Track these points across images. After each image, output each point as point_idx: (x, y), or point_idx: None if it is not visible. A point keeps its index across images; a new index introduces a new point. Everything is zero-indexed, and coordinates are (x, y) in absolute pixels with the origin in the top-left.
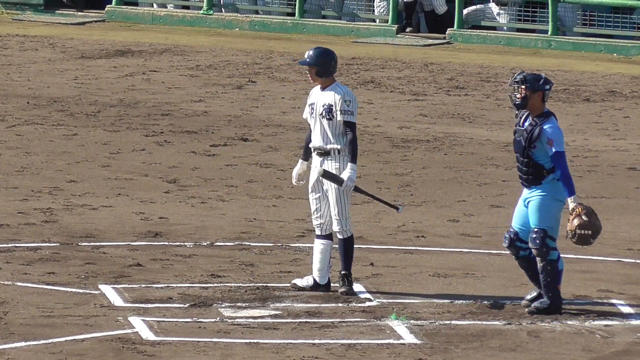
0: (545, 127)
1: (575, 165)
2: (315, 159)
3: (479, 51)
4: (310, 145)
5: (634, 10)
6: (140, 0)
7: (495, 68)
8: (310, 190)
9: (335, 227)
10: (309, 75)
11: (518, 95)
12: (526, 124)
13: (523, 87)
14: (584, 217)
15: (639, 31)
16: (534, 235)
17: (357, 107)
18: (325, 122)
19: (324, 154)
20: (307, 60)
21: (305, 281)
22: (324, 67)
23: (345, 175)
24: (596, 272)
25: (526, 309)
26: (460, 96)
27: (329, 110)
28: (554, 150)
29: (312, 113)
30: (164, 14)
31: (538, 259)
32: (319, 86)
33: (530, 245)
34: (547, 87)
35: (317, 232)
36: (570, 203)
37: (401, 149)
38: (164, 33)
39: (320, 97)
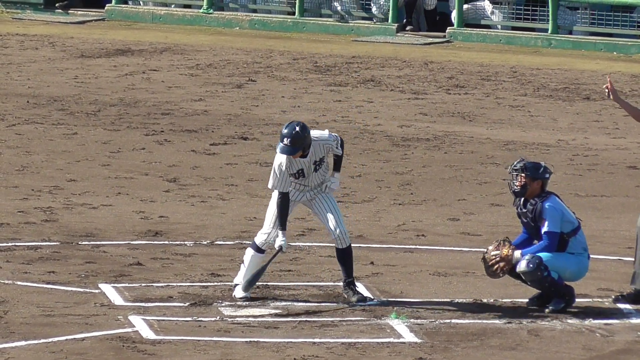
0: (545, 204)
1: (576, 164)
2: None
3: (479, 50)
4: (305, 184)
5: (634, 9)
6: None
7: (495, 67)
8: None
9: (339, 236)
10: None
11: (517, 183)
12: (528, 204)
13: (523, 175)
14: (504, 260)
15: (639, 30)
16: (529, 259)
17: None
18: (319, 169)
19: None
20: (293, 148)
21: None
22: (306, 143)
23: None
24: (596, 271)
25: (546, 310)
26: (460, 95)
27: (320, 162)
28: (545, 229)
29: (302, 175)
30: (164, 12)
31: (535, 284)
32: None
33: (521, 269)
34: (547, 175)
35: (262, 246)
36: (515, 251)
37: (401, 147)
38: (164, 32)
39: (303, 160)
